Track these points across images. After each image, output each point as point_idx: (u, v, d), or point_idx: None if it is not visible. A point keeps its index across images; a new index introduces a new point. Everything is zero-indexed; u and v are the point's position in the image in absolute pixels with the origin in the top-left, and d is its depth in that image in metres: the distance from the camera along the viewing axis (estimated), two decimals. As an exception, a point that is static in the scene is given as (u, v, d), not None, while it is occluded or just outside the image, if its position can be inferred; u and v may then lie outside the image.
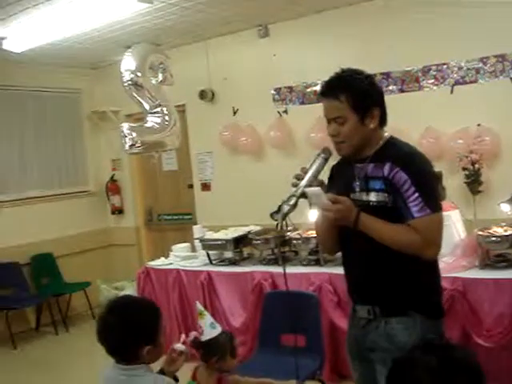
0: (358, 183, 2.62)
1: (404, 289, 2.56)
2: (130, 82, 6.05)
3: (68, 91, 8.03)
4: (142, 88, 6.09)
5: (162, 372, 2.65)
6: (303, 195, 2.52)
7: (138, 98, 6.13)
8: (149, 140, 6.03)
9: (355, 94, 2.53)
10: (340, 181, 2.73)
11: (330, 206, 2.48)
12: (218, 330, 3.12)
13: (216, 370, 3.12)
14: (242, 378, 3.41)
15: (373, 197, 2.56)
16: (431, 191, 2.52)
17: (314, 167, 2.59)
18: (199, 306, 3.14)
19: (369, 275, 2.63)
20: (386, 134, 2.66)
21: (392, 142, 2.64)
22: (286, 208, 2.49)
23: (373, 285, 2.62)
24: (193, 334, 3.14)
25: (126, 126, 5.96)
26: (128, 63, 6.06)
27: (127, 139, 5.90)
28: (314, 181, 2.56)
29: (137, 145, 5.91)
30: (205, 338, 3.08)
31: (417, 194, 2.45)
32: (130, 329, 2.36)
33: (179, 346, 2.76)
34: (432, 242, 2.50)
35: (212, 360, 3.10)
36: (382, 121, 2.63)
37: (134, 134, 5.90)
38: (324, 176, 2.71)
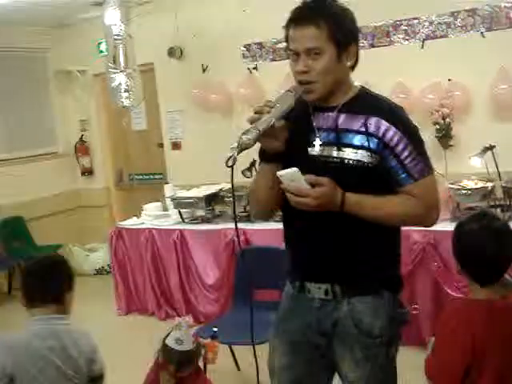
0: (319, 135, 2.22)
1: (371, 263, 2.26)
2: (119, 37, 6.05)
3: (33, 50, 7.80)
4: (125, 44, 6.08)
5: None
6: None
7: (121, 54, 6.10)
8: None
9: (337, 21, 2.13)
10: (291, 136, 2.23)
11: (311, 190, 2.07)
12: (190, 343, 3.07)
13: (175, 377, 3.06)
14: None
15: (349, 154, 2.17)
16: (425, 150, 2.22)
17: (286, 106, 2.16)
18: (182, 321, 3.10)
19: (331, 249, 2.24)
20: (356, 83, 2.32)
21: (368, 93, 2.30)
22: (245, 140, 2.15)
23: (335, 260, 2.25)
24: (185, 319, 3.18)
25: (123, 79, 5.99)
26: (113, 17, 6.01)
27: (124, 94, 5.94)
28: (281, 120, 2.16)
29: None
30: (183, 348, 3.00)
31: (415, 154, 2.15)
32: (65, 273, 2.83)
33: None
34: (434, 206, 2.23)
35: (170, 368, 3.03)
36: (355, 63, 2.27)
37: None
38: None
